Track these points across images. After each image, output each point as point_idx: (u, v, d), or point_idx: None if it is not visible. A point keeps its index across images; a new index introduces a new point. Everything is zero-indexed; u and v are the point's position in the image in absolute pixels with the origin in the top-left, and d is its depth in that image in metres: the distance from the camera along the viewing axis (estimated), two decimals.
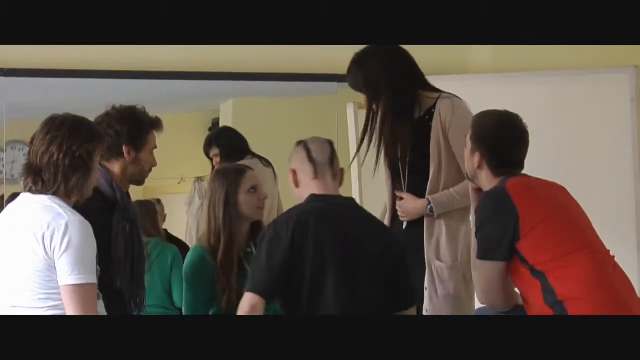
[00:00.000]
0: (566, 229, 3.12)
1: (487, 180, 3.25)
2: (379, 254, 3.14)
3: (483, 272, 3.16)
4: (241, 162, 4.90)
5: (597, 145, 5.06)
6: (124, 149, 3.38)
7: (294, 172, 3.23)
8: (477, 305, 3.45)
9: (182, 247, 5.16)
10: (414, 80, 3.70)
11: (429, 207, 3.61)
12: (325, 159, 3.21)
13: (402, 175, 3.69)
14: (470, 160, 3.28)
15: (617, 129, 5.02)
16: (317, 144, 3.24)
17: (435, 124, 3.63)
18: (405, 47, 3.69)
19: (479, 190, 3.32)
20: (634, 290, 3.16)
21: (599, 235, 3.22)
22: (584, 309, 2.98)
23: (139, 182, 3.50)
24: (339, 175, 3.24)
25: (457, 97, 3.69)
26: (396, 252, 3.21)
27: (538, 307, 3.08)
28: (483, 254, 3.15)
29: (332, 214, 3.13)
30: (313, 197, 3.17)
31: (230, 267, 3.58)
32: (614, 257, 3.18)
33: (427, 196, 3.62)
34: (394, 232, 3.33)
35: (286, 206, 3.87)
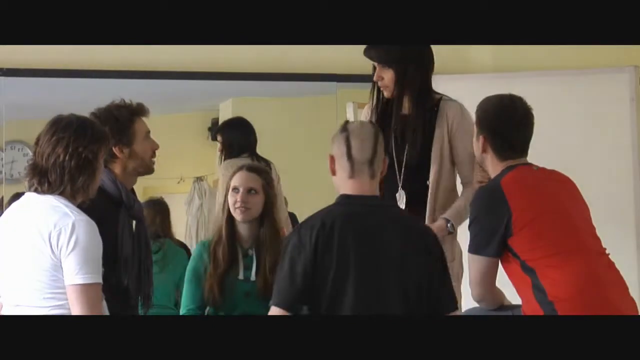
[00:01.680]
0: (559, 228, 3.13)
1: (492, 165, 3.27)
2: (410, 259, 2.93)
3: (473, 266, 3.20)
4: (230, 160, 4.96)
5: (597, 145, 5.07)
6: (115, 150, 3.34)
7: (332, 160, 3.02)
8: (468, 305, 3.48)
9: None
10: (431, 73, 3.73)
11: (448, 224, 3.54)
12: (366, 158, 2.97)
13: (397, 170, 3.64)
14: (476, 145, 3.30)
15: (617, 129, 5.03)
16: (359, 140, 2.98)
17: (441, 125, 3.63)
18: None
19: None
20: (626, 290, 3.16)
21: (599, 234, 3.23)
22: (573, 311, 3.00)
23: (146, 171, 3.44)
24: (378, 173, 3.01)
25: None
26: (432, 255, 2.98)
27: (528, 302, 3.11)
28: (473, 249, 3.18)
29: (362, 217, 2.94)
30: (343, 199, 2.98)
31: (217, 263, 3.62)
32: (608, 254, 3.19)
33: (428, 208, 3.58)
34: (432, 233, 3.09)
35: (292, 206, 3.86)
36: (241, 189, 3.67)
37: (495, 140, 3.23)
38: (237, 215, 3.67)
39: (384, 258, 2.91)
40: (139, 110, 3.40)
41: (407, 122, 3.65)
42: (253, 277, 3.64)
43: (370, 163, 2.98)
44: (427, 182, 3.62)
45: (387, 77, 3.65)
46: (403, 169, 3.64)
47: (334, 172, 3.02)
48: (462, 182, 3.71)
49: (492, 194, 3.18)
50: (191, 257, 3.76)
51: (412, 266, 2.92)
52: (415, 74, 3.64)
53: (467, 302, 3.49)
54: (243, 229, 3.70)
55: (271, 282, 3.41)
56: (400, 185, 3.64)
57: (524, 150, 3.26)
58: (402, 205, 3.60)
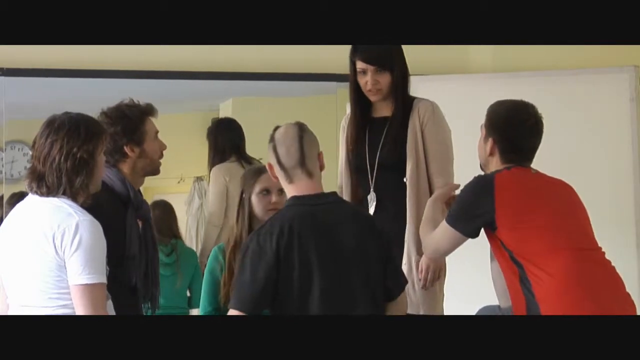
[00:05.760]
0: (550, 227, 3.14)
1: (495, 167, 3.28)
2: (367, 250, 3.01)
3: (440, 233, 3.27)
4: (220, 165, 4.98)
5: (597, 145, 5.08)
6: (126, 149, 3.36)
7: (271, 168, 3.09)
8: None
9: None
10: None
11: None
12: (295, 161, 3.04)
13: (370, 172, 3.64)
14: (483, 147, 3.33)
15: (617, 129, 5.04)
16: (285, 147, 3.05)
17: (413, 121, 3.63)
18: (406, 47, 3.69)
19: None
20: (620, 288, 3.16)
21: (598, 235, 3.23)
22: (558, 311, 3.01)
23: (154, 172, 3.46)
24: (315, 170, 3.06)
25: None
26: (384, 243, 3.07)
27: (515, 295, 3.14)
28: (450, 220, 3.23)
29: (315, 215, 3.00)
30: (293, 200, 3.04)
31: (233, 265, 3.62)
32: (604, 252, 3.19)
33: (409, 207, 3.57)
34: (378, 222, 3.17)
35: None
36: (274, 191, 3.68)
37: (504, 144, 3.26)
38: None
39: (344, 251, 2.98)
40: (149, 110, 3.43)
41: (382, 124, 3.66)
42: None
43: (301, 165, 3.03)
44: (404, 180, 3.61)
45: (383, 81, 3.63)
46: (375, 172, 3.65)
47: (275, 178, 3.10)
48: (434, 185, 3.65)
49: (484, 182, 3.22)
50: (208, 260, 3.76)
51: (370, 254, 3.01)
52: (405, 77, 3.67)
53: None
54: None
55: None
56: (372, 187, 3.64)
57: (529, 159, 3.29)
58: (371, 207, 3.63)
